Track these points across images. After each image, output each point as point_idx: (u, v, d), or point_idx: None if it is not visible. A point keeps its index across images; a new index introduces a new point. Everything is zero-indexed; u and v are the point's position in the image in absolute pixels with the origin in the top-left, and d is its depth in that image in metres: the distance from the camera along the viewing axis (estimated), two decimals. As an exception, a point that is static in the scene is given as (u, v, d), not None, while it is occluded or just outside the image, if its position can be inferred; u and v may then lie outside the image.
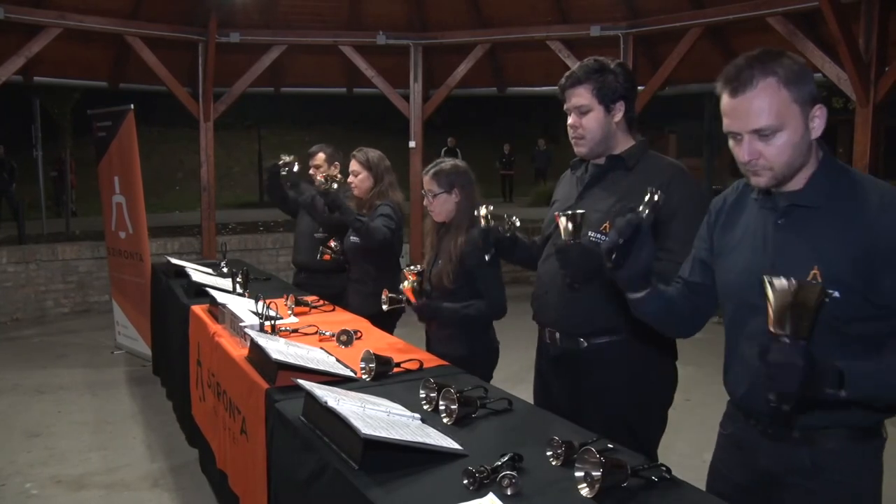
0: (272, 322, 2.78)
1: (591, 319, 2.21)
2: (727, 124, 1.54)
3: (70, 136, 17.70)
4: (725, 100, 1.53)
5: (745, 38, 6.86)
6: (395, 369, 2.38)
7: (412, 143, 7.99)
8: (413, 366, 2.43)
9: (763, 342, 1.38)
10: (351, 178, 3.69)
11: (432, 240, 2.95)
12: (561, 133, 2.55)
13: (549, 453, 1.66)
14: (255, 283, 3.89)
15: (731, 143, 1.56)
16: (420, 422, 1.86)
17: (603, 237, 2.15)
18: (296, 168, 4.19)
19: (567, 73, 2.24)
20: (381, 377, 2.32)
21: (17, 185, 13.66)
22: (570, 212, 1.94)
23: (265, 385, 2.26)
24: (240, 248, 8.32)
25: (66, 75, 7.95)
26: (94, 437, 4.33)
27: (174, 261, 4.56)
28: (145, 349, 5.61)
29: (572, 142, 2.26)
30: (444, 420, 1.94)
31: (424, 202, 2.92)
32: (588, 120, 2.20)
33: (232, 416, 2.63)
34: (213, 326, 3.04)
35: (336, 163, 4.20)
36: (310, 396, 1.90)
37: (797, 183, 1.56)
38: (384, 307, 2.80)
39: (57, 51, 7.00)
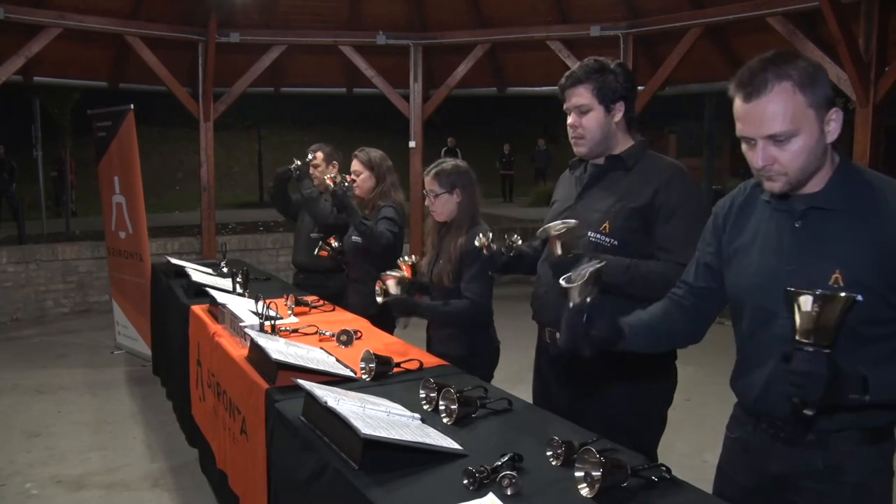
0: (272, 322, 2.78)
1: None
2: (740, 129, 1.51)
3: (70, 136, 17.69)
4: (739, 104, 1.50)
5: (745, 38, 6.87)
6: (395, 369, 2.38)
7: (412, 143, 7.99)
8: (413, 366, 2.43)
9: (785, 349, 1.37)
10: (352, 178, 3.69)
11: (433, 239, 2.96)
12: (561, 133, 2.56)
13: (549, 453, 1.66)
14: (255, 283, 3.89)
15: (743, 147, 1.53)
16: (420, 422, 1.86)
17: (603, 237, 2.16)
18: (307, 162, 4.19)
19: (567, 73, 2.24)
20: (381, 377, 2.32)
21: (17, 185, 13.67)
22: (560, 225, 1.99)
23: (265, 385, 2.26)
24: (240, 248, 8.32)
25: (66, 75, 7.94)
26: (94, 437, 4.33)
27: (174, 261, 4.56)
28: (145, 349, 5.61)
29: (572, 142, 2.26)
30: (444, 420, 1.94)
31: (426, 202, 2.92)
32: (588, 120, 2.20)
33: (232, 416, 2.63)
34: (213, 326, 3.04)
35: (334, 162, 4.20)
36: (310, 396, 1.90)
37: (814, 185, 1.53)
38: (378, 299, 2.75)
39: (57, 51, 7.00)
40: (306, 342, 2.68)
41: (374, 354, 2.33)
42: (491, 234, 2.42)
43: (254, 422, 2.33)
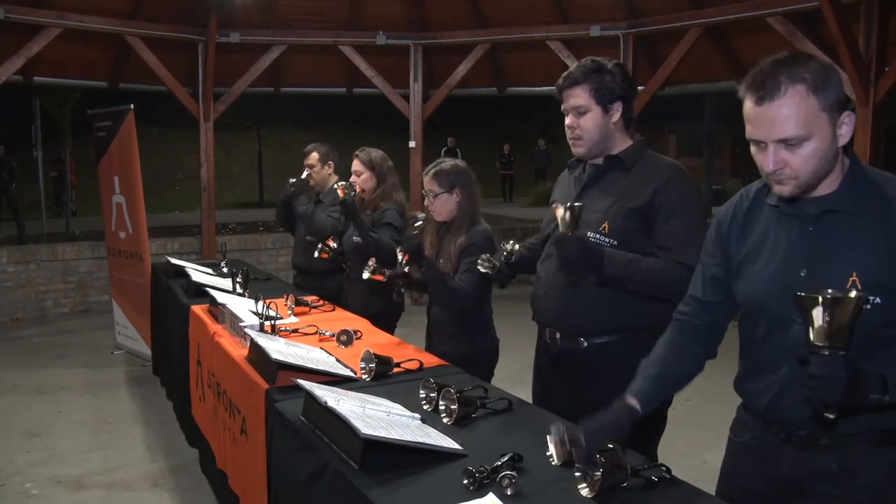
0: (272, 322, 2.78)
1: (591, 319, 2.22)
2: (751, 132, 1.48)
3: (70, 136, 17.68)
4: (750, 106, 1.46)
5: (745, 38, 6.87)
6: (395, 369, 2.38)
7: (412, 143, 7.99)
8: (413, 366, 2.43)
9: (801, 354, 1.36)
10: (353, 179, 3.69)
11: (432, 239, 2.96)
12: (561, 133, 2.55)
13: (549, 453, 1.66)
14: (255, 283, 3.89)
15: (753, 149, 1.51)
16: (420, 422, 1.86)
17: (602, 238, 2.16)
18: (303, 179, 4.22)
19: (564, 74, 2.23)
20: (381, 377, 2.33)
21: (17, 185, 13.64)
22: (568, 203, 1.96)
23: (265, 385, 2.26)
24: (240, 248, 8.32)
25: (66, 75, 7.95)
26: (94, 437, 4.33)
27: (174, 261, 4.56)
28: (145, 349, 5.61)
29: (570, 142, 2.26)
30: (444, 420, 1.94)
31: (425, 202, 2.92)
32: (586, 120, 2.20)
33: (232, 416, 2.63)
34: (213, 326, 3.04)
35: (330, 162, 4.19)
36: (310, 396, 1.90)
37: (825, 188, 1.51)
38: (364, 274, 2.84)
39: (57, 51, 7.00)
40: (306, 342, 2.68)
41: (374, 354, 2.33)
42: (488, 256, 2.44)
43: (254, 422, 2.33)
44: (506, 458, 1.60)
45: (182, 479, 3.71)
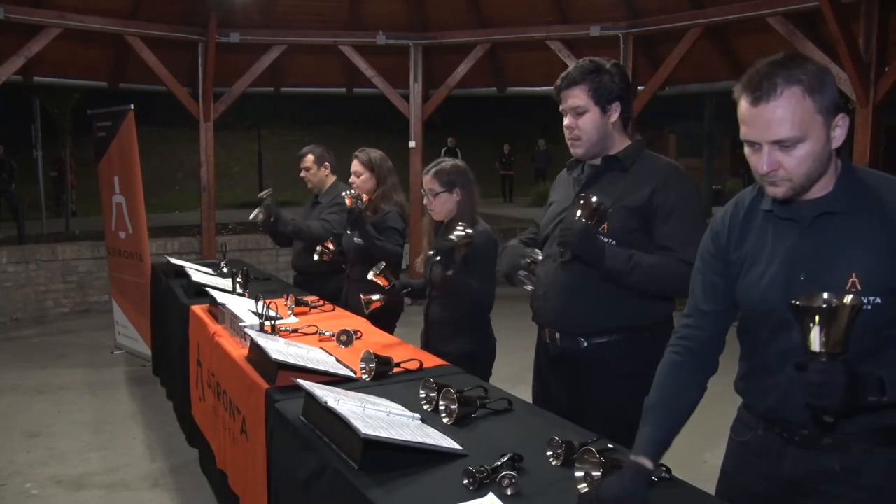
0: (272, 322, 2.78)
1: (591, 319, 2.22)
2: (745, 132, 1.48)
3: (70, 136, 17.68)
4: (745, 107, 1.46)
5: (745, 38, 6.87)
6: (395, 369, 2.38)
7: (412, 143, 7.99)
8: (413, 366, 2.43)
9: (799, 359, 1.35)
10: (353, 179, 3.68)
11: (430, 238, 2.96)
12: (560, 133, 2.53)
13: (549, 453, 1.67)
14: (255, 283, 3.89)
15: (746, 150, 1.50)
16: (420, 422, 1.86)
17: (602, 238, 2.16)
18: (268, 195, 4.12)
19: (563, 75, 2.23)
20: (381, 377, 2.32)
21: (17, 185, 13.65)
22: (595, 199, 2.03)
23: (265, 385, 2.26)
24: (240, 248, 8.33)
25: (66, 75, 7.96)
26: (94, 437, 4.33)
27: (174, 261, 4.56)
28: (145, 349, 5.61)
29: (569, 143, 2.26)
30: (444, 420, 1.94)
31: (424, 201, 2.92)
32: (584, 121, 2.20)
33: (232, 416, 2.63)
34: (213, 326, 3.04)
35: (326, 163, 4.18)
36: (310, 396, 1.90)
37: (819, 190, 1.50)
38: (370, 274, 2.90)
39: (57, 51, 7.01)
40: (306, 342, 2.68)
41: (374, 354, 2.33)
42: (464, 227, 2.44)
43: (254, 422, 2.33)
44: (506, 458, 1.60)
45: (182, 479, 3.71)
